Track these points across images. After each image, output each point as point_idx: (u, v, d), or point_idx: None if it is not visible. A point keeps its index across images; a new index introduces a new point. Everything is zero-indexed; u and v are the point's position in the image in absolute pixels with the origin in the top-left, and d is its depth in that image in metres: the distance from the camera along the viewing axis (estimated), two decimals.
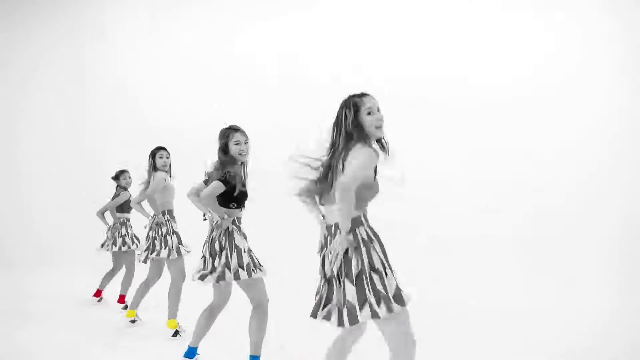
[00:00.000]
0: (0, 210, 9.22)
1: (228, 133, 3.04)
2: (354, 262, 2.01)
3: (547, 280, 5.59)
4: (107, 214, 5.33)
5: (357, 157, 2.07)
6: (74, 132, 9.19)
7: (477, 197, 7.03)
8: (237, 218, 3.10)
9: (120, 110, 8.97)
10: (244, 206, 3.13)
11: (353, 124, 2.16)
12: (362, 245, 2.04)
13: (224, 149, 3.05)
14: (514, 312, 4.68)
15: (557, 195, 6.66)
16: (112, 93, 9.16)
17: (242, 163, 3.09)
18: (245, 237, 3.11)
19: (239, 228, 3.09)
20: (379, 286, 1.98)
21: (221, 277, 2.95)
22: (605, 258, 5.90)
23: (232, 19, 8.48)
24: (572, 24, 6.88)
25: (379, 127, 2.19)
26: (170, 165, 4.23)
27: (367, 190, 2.11)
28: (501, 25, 7.20)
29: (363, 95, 2.23)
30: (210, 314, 3.16)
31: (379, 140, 2.26)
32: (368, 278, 1.99)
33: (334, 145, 2.22)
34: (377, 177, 2.19)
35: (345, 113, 2.19)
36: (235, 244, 3.00)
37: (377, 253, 2.06)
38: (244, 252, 3.01)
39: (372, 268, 2.01)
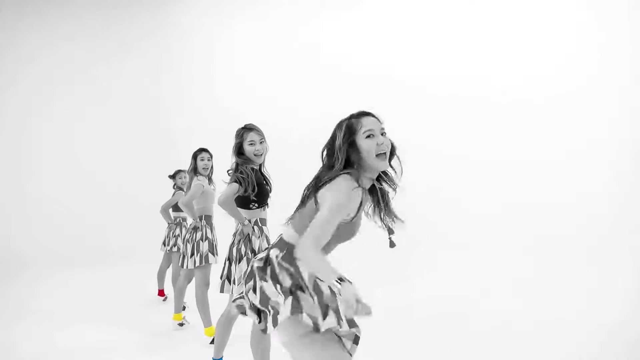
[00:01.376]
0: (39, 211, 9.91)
1: (242, 133, 2.84)
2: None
3: (560, 283, 5.51)
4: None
5: (328, 199, 1.57)
6: (147, 131, 9.71)
7: (496, 198, 7.28)
8: (260, 219, 2.89)
9: (198, 109, 9.26)
10: (266, 205, 2.91)
11: (345, 148, 1.66)
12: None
13: (239, 150, 2.86)
14: (525, 315, 4.48)
15: (573, 196, 6.84)
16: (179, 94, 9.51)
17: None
18: (267, 239, 2.88)
19: (260, 230, 2.87)
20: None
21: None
22: (622, 261, 5.90)
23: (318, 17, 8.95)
24: (592, 23, 7.04)
25: (380, 155, 1.66)
26: (212, 168, 4.12)
27: (339, 232, 1.63)
28: (523, 26, 7.55)
29: (363, 114, 1.70)
30: (227, 320, 2.95)
31: (384, 173, 1.75)
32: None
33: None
34: (358, 215, 1.69)
35: (337, 134, 1.70)
36: (252, 249, 2.80)
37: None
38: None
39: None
